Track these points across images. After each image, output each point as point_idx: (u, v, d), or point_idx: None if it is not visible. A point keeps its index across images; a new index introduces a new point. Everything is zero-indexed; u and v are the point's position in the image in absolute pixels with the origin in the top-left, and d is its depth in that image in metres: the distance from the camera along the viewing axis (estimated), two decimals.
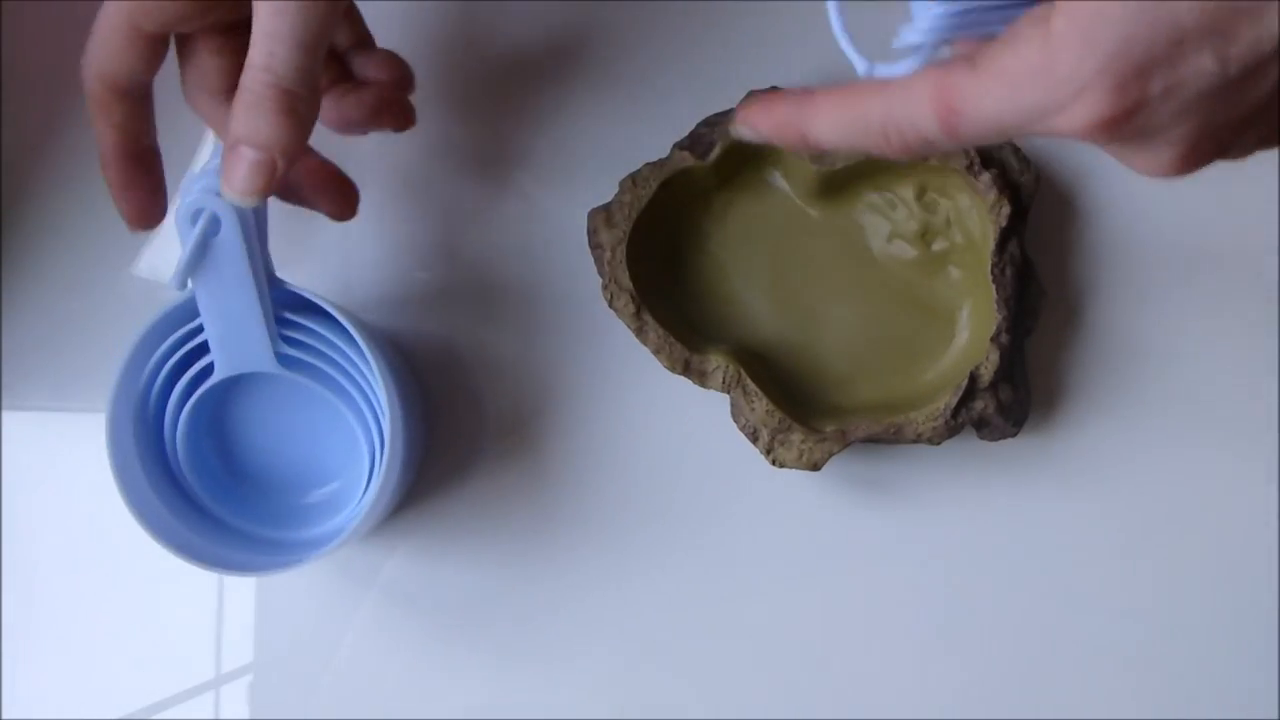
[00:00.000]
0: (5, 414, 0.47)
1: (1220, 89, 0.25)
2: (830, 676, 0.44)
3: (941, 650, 0.43)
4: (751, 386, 0.41)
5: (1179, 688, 0.43)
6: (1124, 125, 0.25)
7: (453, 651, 0.45)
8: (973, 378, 0.41)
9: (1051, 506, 0.44)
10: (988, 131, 0.27)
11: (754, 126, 0.30)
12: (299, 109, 0.32)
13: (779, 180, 0.44)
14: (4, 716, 0.46)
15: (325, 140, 0.47)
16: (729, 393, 0.42)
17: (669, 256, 0.44)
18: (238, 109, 0.32)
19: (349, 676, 0.45)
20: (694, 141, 0.43)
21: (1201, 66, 0.24)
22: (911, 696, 0.43)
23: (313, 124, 0.33)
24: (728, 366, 0.41)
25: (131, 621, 0.46)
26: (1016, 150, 0.43)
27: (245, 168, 0.32)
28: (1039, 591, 0.43)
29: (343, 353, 0.40)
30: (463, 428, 0.45)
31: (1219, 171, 0.44)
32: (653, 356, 0.42)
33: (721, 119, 0.43)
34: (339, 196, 0.40)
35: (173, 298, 0.38)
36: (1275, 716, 0.42)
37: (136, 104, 0.37)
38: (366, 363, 0.39)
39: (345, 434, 0.42)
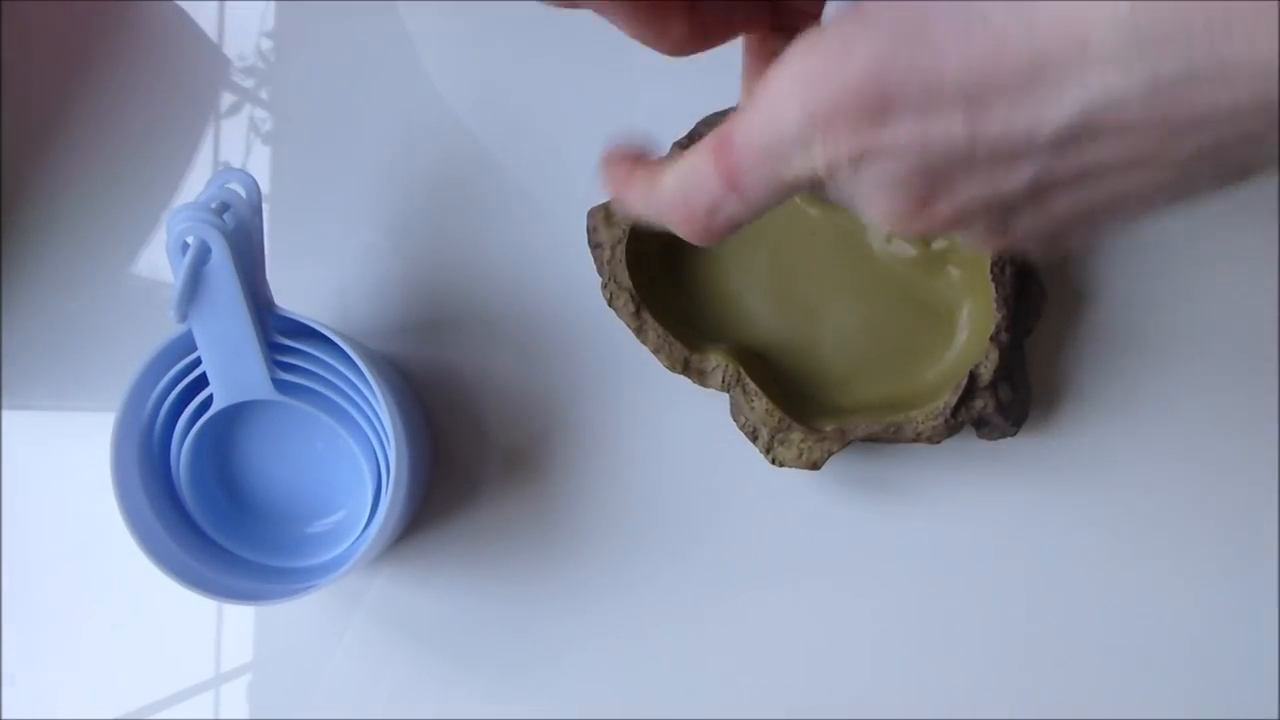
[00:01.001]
0: (5, 414, 0.47)
1: (966, 160, 0.22)
2: (830, 676, 0.44)
3: (941, 649, 0.43)
4: (751, 386, 0.41)
5: (1179, 688, 0.43)
6: (859, 164, 0.23)
7: (453, 652, 0.45)
8: (972, 377, 0.41)
9: (1051, 506, 0.44)
10: (762, 165, 0.24)
11: (605, 189, 0.29)
12: None
13: None
14: (4, 716, 0.46)
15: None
16: (729, 392, 0.42)
17: (669, 255, 0.44)
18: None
19: (348, 677, 0.45)
20: (694, 141, 0.43)
21: (951, 129, 0.21)
22: (912, 696, 0.43)
23: None
24: (727, 366, 0.41)
25: (131, 621, 0.46)
26: None
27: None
28: (1039, 591, 0.43)
29: (346, 379, 0.40)
30: (464, 434, 0.45)
31: None
32: (652, 356, 0.42)
33: (721, 118, 0.43)
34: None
35: (173, 329, 0.38)
36: (1275, 717, 0.42)
37: None
38: (369, 387, 0.39)
39: (350, 463, 0.42)
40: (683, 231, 0.27)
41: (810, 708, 0.43)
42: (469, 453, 0.45)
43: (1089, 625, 0.43)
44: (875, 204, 0.24)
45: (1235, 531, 0.43)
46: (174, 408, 0.40)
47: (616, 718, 0.44)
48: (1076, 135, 0.21)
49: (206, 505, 0.42)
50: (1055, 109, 0.21)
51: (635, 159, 0.29)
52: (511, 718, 0.44)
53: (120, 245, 0.47)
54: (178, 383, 0.40)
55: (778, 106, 0.23)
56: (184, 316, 0.37)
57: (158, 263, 0.47)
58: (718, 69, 0.46)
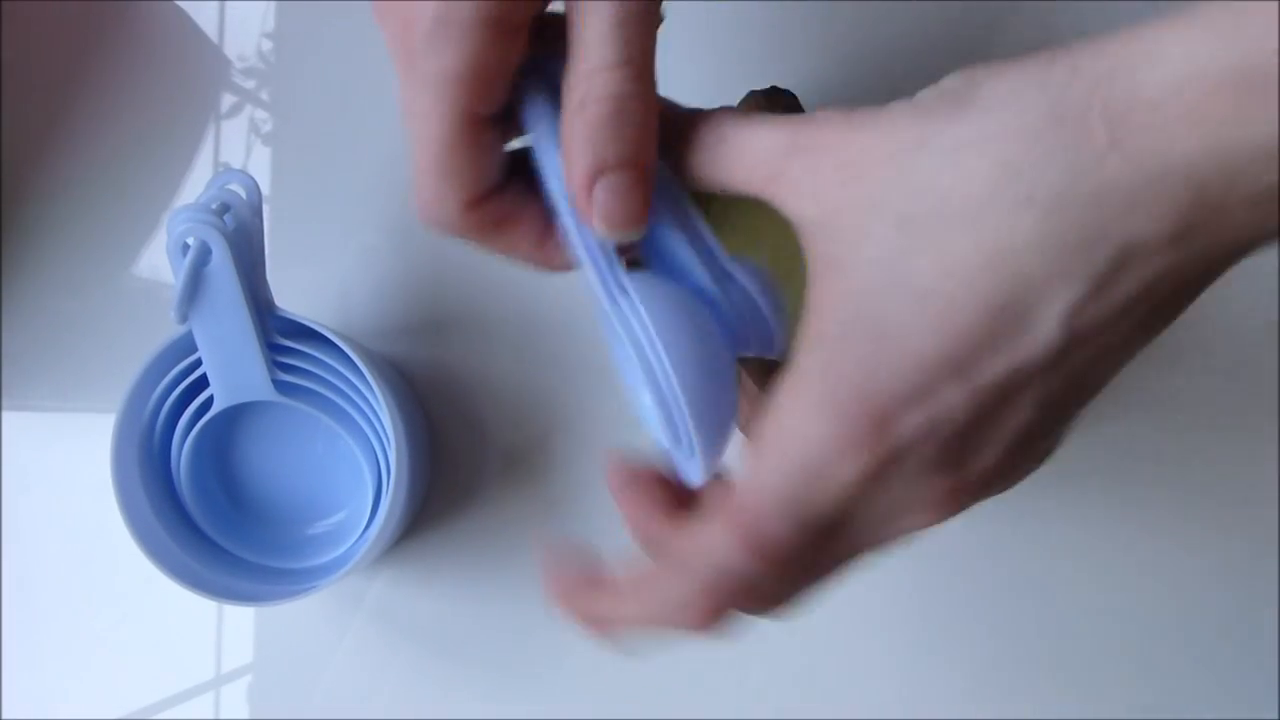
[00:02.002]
0: (5, 414, 0.47)
1: (979, 418, 0.23)
2: (830, 675, 0.44)
3: (940, 649, 0.43)
4: (751, 387, 0.41)
5: (1179, 688, 0.43)
6: (885, 475, 0.23)
7: (453, 652, 0.45)
8: None
9: (1050, 505, 0.44)
10: (786, 514, 0.24)
11: (561, 614, 0.28)
12: (652, 96, 0.27)
13: None
14: (4, 716, 0.46)
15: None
16: None
17: None
18: (583, 131, 0.26)
19: (348, 678, 0.45)
20: None
21: (952, 399, 0.22)
22: (911, 695, 0.43)
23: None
24: None
25: (132, 621, 0.46)
26: None
27: (619, 195, 0.26)
28: (1038, 591, 0.43)
29: (346, 379, 0.40)
30: (464, 434, 0.45)
31: None
32: None
33: None
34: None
35: (174, 330, 0.38)
36: (1275, 717, 0.42)
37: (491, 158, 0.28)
38: (369, 388, 0.39)
39: (350, 465, 0.42)
40: (697, 628, 0.27)
41: (810, 707, 0.43)
42: (469, 453, 0.45)
43: (1089, 625, 0.43)
44: (916, 505, 0.24)
45: (1235, 531, 0.43)
46: (174, 408, 0.40)
47: (616, 718, 0.44)
48: (1066, 347, 0.22)
49: (206, 506, 0.42)
50: (1039, 333, 0.22)
51: (587, 582, 0.29)
52: (511, 718, 0.44)
53: (120, 246, 0.47)
54: (178, 383, 0.40)
55: (790, 455, 0.23)
56: (184, 317, 0.37)
57: (158, 264, 0.47)
58: (718, 69, 0.46)
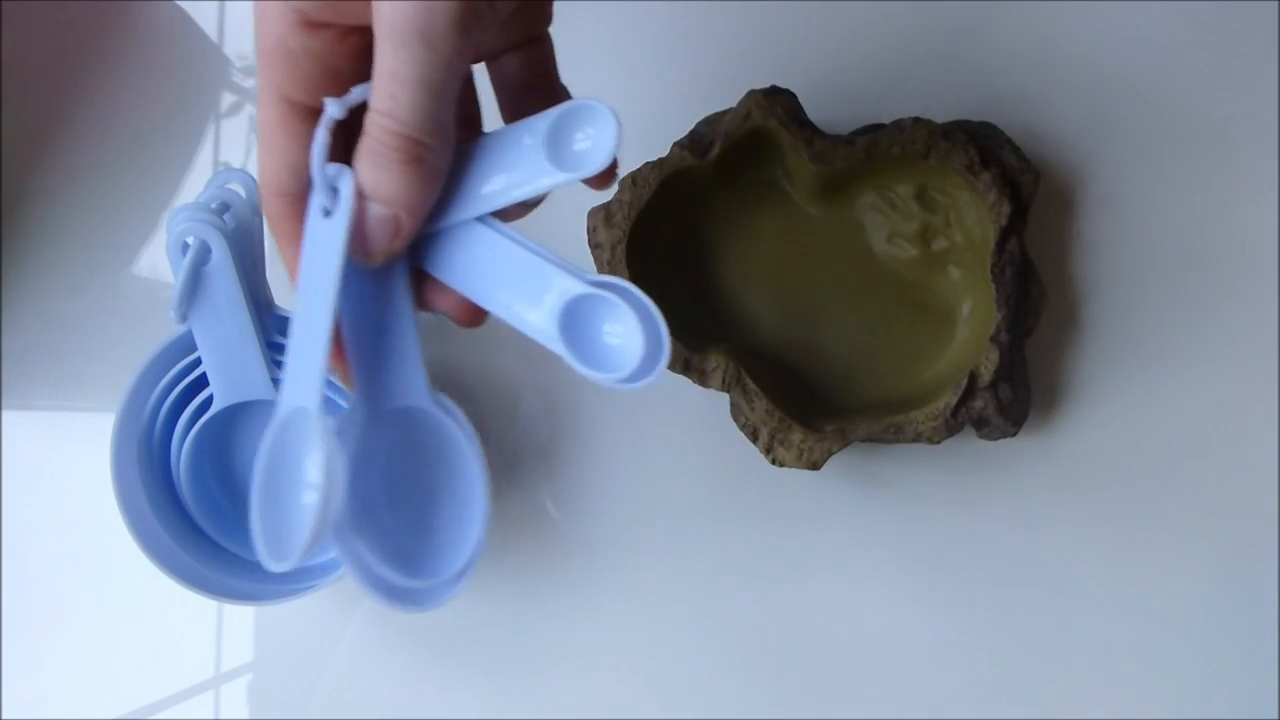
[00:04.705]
0: (5, 414, 0.47)
1: None
2: (830, 675, 0.44)
3: (941, 649, 0.43)
4: (751, 386, 0.41)
5: (1179, 688, 0.43)
6: None
7: (453, 652, 0.45)
8: (972, 377, 0.41)
9: (1051, 506, 0.44)
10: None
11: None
12: (426, 159, 0.27)
13: (779, 179, 0.44)
14: (4, 716, 0.46)
15: None
16: (729, 392, 0.42)
17: (669, 255, 0.44)
18: (360, 158, 0.27)
19: (348, 677, 0.45)
20: (694, 140, 0.43)
21: None
22: (911, 695, 0.43)
23: (443, 178, 0.28)
24: (728, 366, 0.41)
25: (132, 621, 0.46)
26: (1016, 150, 0.43)
27: (369, 225, 0.27)
28: (1038, 590, 0.43)
29: None
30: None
31: (1217, 171, 0.45)
32: None
33: (721, 118, 0.43)
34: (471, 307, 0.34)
35: (174, 330, 0.38)
36: (1275, 717, 0.42)
37: None
38: None
39: None
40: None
41: (810, 707, 0.43)
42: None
43: (1089, 625, 0.43)
44: None
45: (1235, 531, 0.43)
46: (174, 408, 0.40)
47: (616, 718, 0.44)
48: None
49: (206, 505, 0.42)
50: None
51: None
52: (511, 718, 0.44)
53: (120, 245, 0.47)
54: (178, 383, 0.40)
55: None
56: (184, 317, 0.37)
57: (158, 263, 0.47)
58: (718, 69, 0.46)
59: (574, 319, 0.27)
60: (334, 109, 0.27)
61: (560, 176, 0.27)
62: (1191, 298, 0.44)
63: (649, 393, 0.45)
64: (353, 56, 0.27)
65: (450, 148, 0.28)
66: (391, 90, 0.26)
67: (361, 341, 0.28)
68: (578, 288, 0.27)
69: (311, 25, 0.27)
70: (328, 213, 0.27)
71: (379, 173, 0.27)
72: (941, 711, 0.43)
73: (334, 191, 0.27)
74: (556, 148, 0.27)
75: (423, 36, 0.26)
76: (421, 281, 0.30)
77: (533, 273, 0.28)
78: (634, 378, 0.27)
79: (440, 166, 0.28)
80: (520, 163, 0.28)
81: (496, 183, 0.28)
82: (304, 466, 0.25)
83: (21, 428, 0.47)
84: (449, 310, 0.30)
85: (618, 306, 0.27)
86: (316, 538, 0.25)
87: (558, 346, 0.27)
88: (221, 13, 0.48)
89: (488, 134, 0.28)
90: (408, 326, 0.29)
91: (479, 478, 0.28)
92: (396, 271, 0.29)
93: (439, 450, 0.28)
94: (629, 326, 0.27)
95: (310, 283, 0.27)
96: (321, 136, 0.27)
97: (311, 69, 0.27)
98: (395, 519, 0.28)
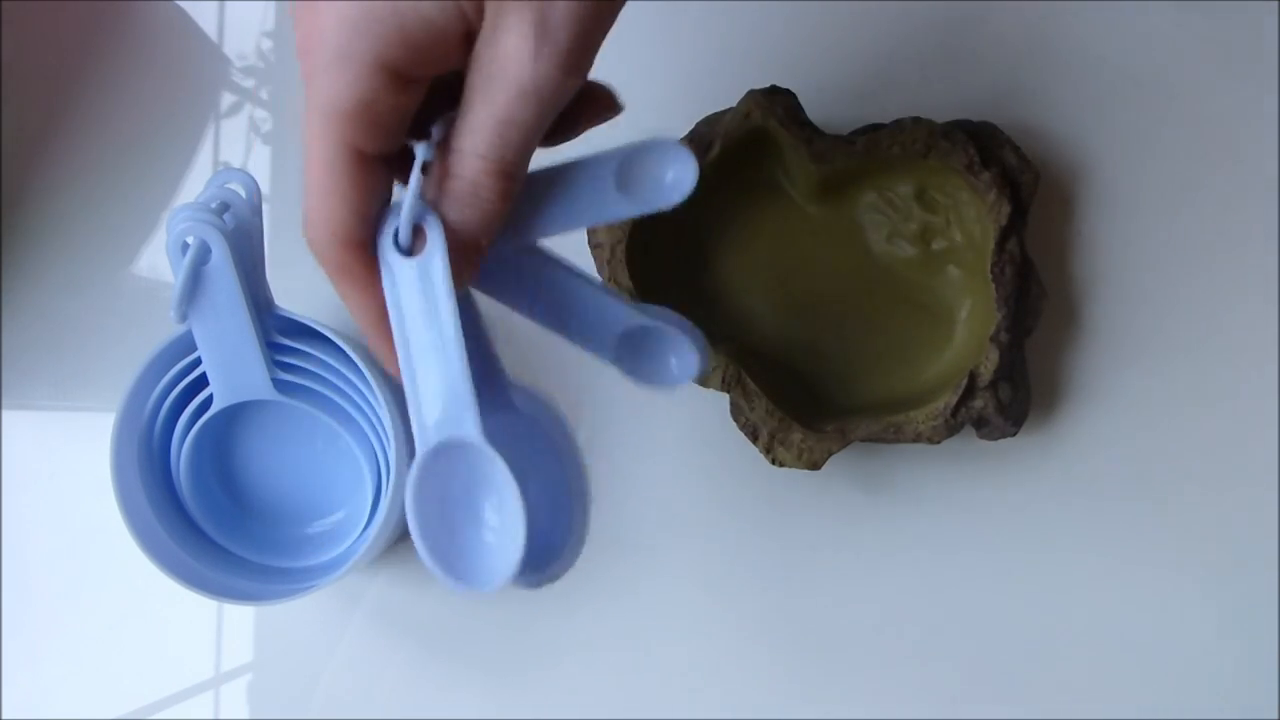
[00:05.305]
0: (5, 414, 0.47)
1: None
2: (830, 675, 0.44)
3: (941, 649, 0.43)
4: (751, 386, 0.41)
5: (1179, 688, 0.43)
6: None
7: (453, 652, 0.45)
8: (972, 376, 0.41)
9: (1051, 506, 0.44)
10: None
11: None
12: (512, 194, 0.28)
13: (779, 179, 0.44)
14: (4, 717, 0.46)
15: None
16: (729, 392, 0.42)
17: (669, 255, 0.44)
18: (450, 199, 0.28)
19: (348, 677, 0.45)
20: (694, 140, 0.43)
21: None
22: (911, 695, 0.43)
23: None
24: (727, 366, 0.41)
25: (132, 621, 0.46)
26: (1016, 150, 0.43)
27: (453, 255, 0.28)
28: (1038, 590, 0.43)
29: (345, 379, 0.39)
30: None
31: (1217, 171, 0.45)
32: None
33: (721, 118, 0.43)
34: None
35: (174, 329, 0.38)
36: (1275, 717, 0.42)
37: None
38: (369, 387, 0.39)
39: (350, 464, 0.42)
40: None
41: (810, 706, 0.43)
42: None
43: (1089, 625, 0.43)
44: None
45: (1235, 531, 0.43)
46: (174, 408, 0.40)
47: (616, 718, 0.44)
48: None
49: (206, 505, 0.42)
50: None
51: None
52: (511, 718, 0.44)
53: (120, 245, 0.47)
54: (178, 383, 0.40)
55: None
56: (184, 316, 0.37)
57: (158, 263, 0.47)
58: (718, 69, 0.46)
59: (630, 342, 0.31)
60: (425, 153, 0.27)
61: (633, 209, 0.29)
62: (1191, 298, 0.44)
63: (648, 393, 0.45)
64: (425, 104, 0.27)
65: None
66: (505, 136, 0.27)
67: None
68: (634, 319, 0.31)
69: (404, 82, 0.26)
70: (406, 251, 0.28)
71: (470, 211, 0.28)
72: (941, 710, 0.43)
73: (415, 229, 0.28)
74: (628, 180, 0.29)
75: (537, 92, 0.26)
76: None
77: (592, 302, 0.31)
78: (678, 380, 0.31)
79: (516, 193, 0.28)
80: (588, 194, 0.29)
81: (563, 211, 0.29)
82: (479, 504, 0.27)
83: (21, 428, 0.47)
84: None
85: (670, 335, 0.31)
86: (517, 570, 0.27)
87: (616, 366, 0.31)
88: (221, 13, 0.48)
89: (556, 166, 0.30)
90: (484, 337, 0.31)
91: (577, 468, 0.31)
92: (465, 291, 0.30)
93: (543, 444, 0.31)
94: (682, 353, 0.31)
95: (411, 320, 0.28)
96: (417, 179, 0.27)
97: (398, 124, 0.27)
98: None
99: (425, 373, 0.28)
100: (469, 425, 0.27)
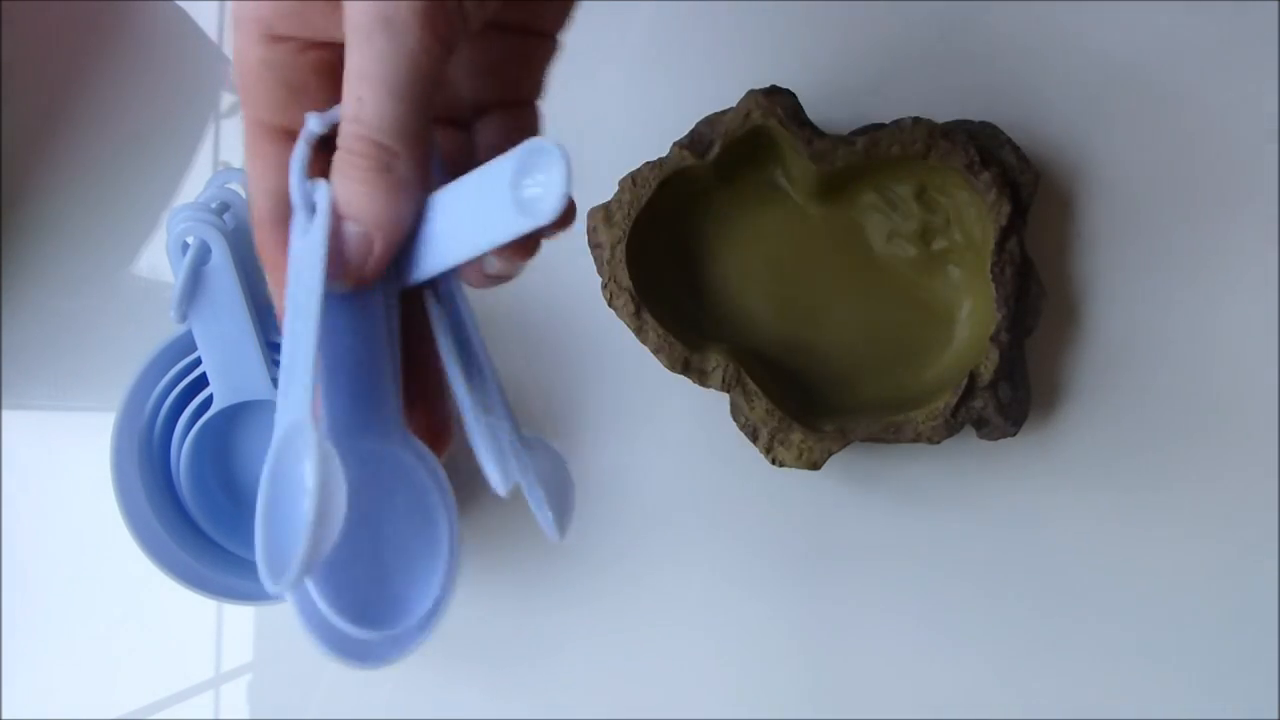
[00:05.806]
0: (5, 414, 0.47)
1: None
2: (830, 675, 0.44)
3: (942, 649, 0.43)
4: (751, 386, 0.41)
5: (1179, 688, 0.43)
6: None
7: (452, 651, 0.45)
8: (972, 377, 0.41)
9: (1050, 506, 0.44)
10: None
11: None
12: (394, 168, 0.25)
13: (779, 179, 0.44)
14: (4, 717, 0.46)
15: None
16: (729, 392, 0.42)
17: (668, 255, 0.44)
18: (333, 172, 0.26)
19: (348, 677, 0.45)
20: (694, 140, 0.43)
21: None
22: (911, 695, 0.43)
23: (416, 194, 0.26)
24: (727, 366, 0.41)
25: (131, 621, 0.46)
26: (1016, 149, 0.43)
27: (344, 244, 0.26)
28: (1038, 590, 0.43)
29: None
30: (462, 433, 0.45)
31: (1217, 171, 0.45)
32: (653, 356, 0.42)
33: (721, 118, 0.43)
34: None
35: (174, 329, 0.38)
36: (1275, 717, 0.42)
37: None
38: None
39: None
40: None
41: (810, 707, 0.43)
42: (468, 451, 0.45)
43: (1089, 624, 0.43)
44: None
45: (1235, 531, 0.43)
46: (174, 408, 0.40)
47: (616, 718, 0.44)
48: None
49: (206, 505, 0.42)
50: None
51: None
52: (511, 717, 0.44)
53: (120, 245, 0.47)
54: (178, 383, 0.40)
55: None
56: (184, 316, 0.37)
57: (158, 263, 0.47)
58: (718, 69, 0.46)
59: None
60: (314, 124, 0.26)
61: (524, 223, 0.24)
62: (1191, 297, 0.44)
63: (648, 393, 0.45)
64: (317, 73, 0.26)
65: (425, 161, 0.26)
66: (358, 92, 0.24)
67: (336, 373, 0.27)
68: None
69: (273, 38, 0.25)
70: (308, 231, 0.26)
71: (349, 185, 0.25)
72: (942, 711, 0.43)
73: (314, 210, 0.26)
74: (519, 191, 0.24)
75: (386, 28, 0.24)
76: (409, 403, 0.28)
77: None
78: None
79: (410, 178, 0.25)
80: (489, 209, 0.25)
81: (467, 231, 0.25)
82: (302, 476, 0.24)
83: (21, 427, 0.47)
84: (416, 430, 0.29)
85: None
86: (314, 550, 0.23)
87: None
88: (221, 13, 0.48)
89: (459, 180, 0.26)
90: (385, 364, 0.27)
91: (446, 531, 0.27)
92: (375, 303, 0.27)
93: (407, 495, 0.27)
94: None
95: (295, 302, 0.26)
96: (300, 151, 0.26)
97: (274, 86, 0.26)
98: (352, 563, 0.26)
99: (291, 352, 0.25)
100: (304, 409, 0.24)
